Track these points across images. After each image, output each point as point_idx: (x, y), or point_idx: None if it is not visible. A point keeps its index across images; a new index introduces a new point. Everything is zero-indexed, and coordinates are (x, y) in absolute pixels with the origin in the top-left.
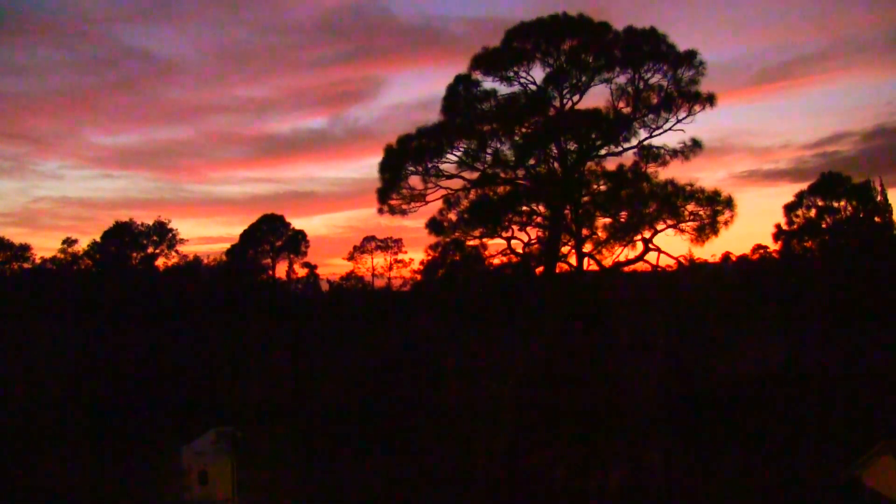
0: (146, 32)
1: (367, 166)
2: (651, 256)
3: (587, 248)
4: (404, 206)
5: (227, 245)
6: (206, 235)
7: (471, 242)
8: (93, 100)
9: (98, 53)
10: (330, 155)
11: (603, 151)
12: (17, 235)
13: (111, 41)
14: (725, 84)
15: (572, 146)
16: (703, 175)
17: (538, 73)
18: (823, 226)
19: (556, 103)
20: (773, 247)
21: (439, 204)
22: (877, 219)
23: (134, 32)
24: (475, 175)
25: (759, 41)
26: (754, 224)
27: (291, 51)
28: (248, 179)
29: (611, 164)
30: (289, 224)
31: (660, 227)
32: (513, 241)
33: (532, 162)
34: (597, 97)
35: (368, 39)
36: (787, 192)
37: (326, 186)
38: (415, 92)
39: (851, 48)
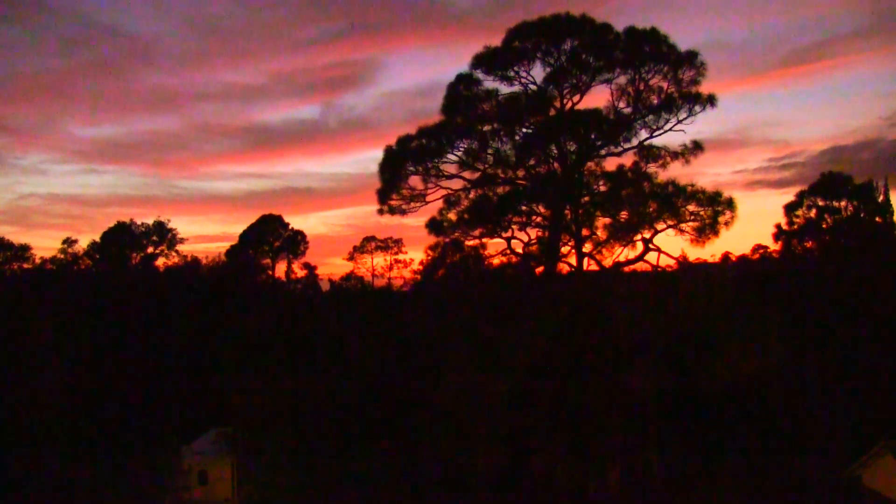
0: (117, 7)
1: (364, 160)
2: (651, 256)
3: (587, 248)
4: (404, 206)
5: (225, 244)
6: (202, 234)
7: (471, 242)
8: (68, 85)
9: (66, 32)
10: (324, 148)
11: (603, 152)
12: (8, 234)
13: (79, 17)
14: (748, 68)
15: (572, 146)
16: (715, 171)
17: (539, 73)
18: (824, 226)
19: (557, 103)
20: (774, 246)
21: (439, 204)
22: (878, 219)
23: (104, 7)
24: (475, 175)
25: (789, 18)
26: (764, 222)
27: (278, 28)
28: (240, 175)
29: (611, 165)
30: (287, 224)
31: (660, 227)
32: (513, 241)
33: (532, 162)
34: (597, 97)
35: (363, 15)
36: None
37: (322, 182)
38: (414, 76)
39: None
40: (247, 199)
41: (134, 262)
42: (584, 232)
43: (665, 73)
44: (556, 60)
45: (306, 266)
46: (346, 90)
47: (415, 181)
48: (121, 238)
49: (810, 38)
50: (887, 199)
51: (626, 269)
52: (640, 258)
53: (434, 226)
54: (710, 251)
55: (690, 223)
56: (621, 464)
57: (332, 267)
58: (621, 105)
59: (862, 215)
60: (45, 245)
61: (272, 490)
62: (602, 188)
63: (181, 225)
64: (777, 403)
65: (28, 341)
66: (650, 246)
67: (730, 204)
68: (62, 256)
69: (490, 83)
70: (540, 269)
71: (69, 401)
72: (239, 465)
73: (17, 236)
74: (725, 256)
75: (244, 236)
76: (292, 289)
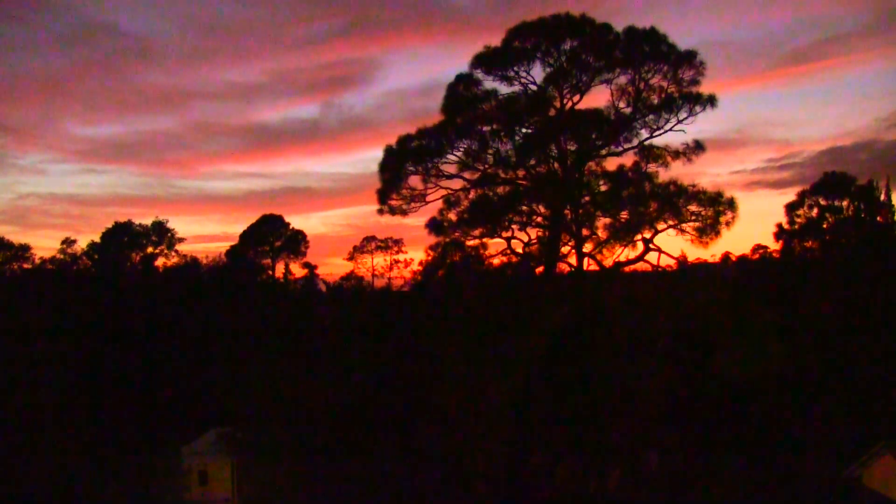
0: (116, 6)
1: (364, 160)
2: (651, 256)
3: (587, 248)
4: (404, 207)
5: (225, 244)
6: (202, 234)
7: (471, 242)
8: (67, 84)
9: (65, 31)
10: (324, 147)
11: (603, 151)
12: (7, 234)
13: (78, 16)
14: (748, 67)
15: (573, 146)
16: (714, 170)
17: (539, 73)
18: (825, 226)
19: (557, 103)
20: (774, 246)
21: (439, 204)
22: (879, 219)
23: (103, 6)
24: (475, 175)
25: (790, 18)
26: (762, 223)
27: (278, 26)
28: (239, 174)
29: (611, 165)
30: (288, 224)
31: (661, 227)
32: (513, 241)
33: (532, 162)
34: (597, 97)
35: (362, 12)
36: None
37: (322, 182)
38: (414, 75)
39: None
40: (247, 198)
41: (133, 262)
42: (585, 232)
43: (665, 73)
44: (556, 60)
45: (306, 266)
46: (346, 89)
47: (415, 181)
48: (120, 238)
49: (810, 37)
50: (889, 199)
51: (627, 269)
52: (640, 258)
53: (434, 226)
54: (711, 251)
55: (691, 223)
56: (622, 463)
57: (332, 267)
58: (621, 105)
59: (863, 215)
60: (44, 245)
61: (272, 490)
62: (602, 188)
63: (180, 225)
64: (777, 403)
65: (28, 341)
66: (651, 246)
67: (731, 204)
68: (62, 256)
69: (490, 83)
70: (540, 269)
71: (69, 401)
72: (239, 465)
73: (16, 236)
74: (726, 256)
75: (244, 236)
76: (292, 289)
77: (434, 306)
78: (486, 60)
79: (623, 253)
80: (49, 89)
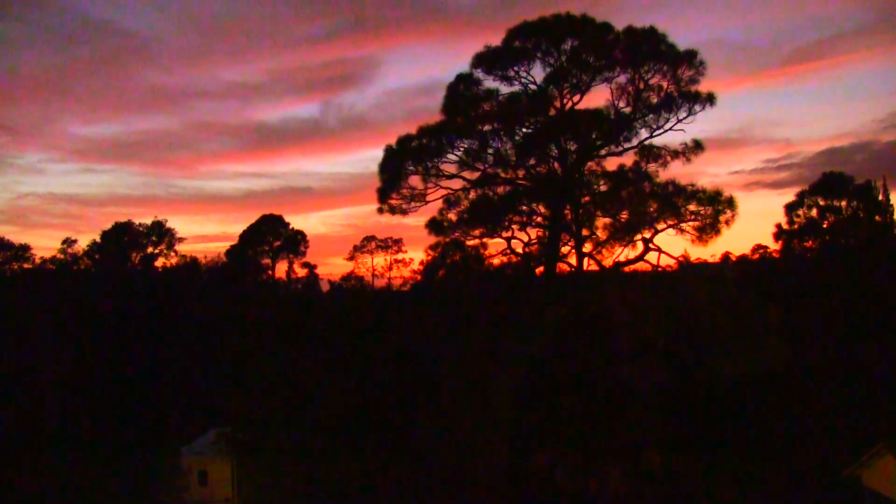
0: (115, 4)
1: (364, 159)
2: (651, 256)
3: (587, 248)
4: (404, 206)
5: (225, 244)
6: (201, 234)
7: (471, 242)
8: (66, 83)
9: (64, 30)
10: (324, 147)
11: (603, 151)
12: (7, 234)
13: (77, 15)
14: (750, 66)
15: (573, 146)
16: (713, 170)
17: (539, 73)
18: (825, 225)
19: (557, 103)
20: (774, 246)
21: (439, 204)
22: (877, 218)
23: (102, 4)
24: (475, 175)
25: (791, 16)
26: (760, 223)
27: (277, 25)
28: (239, 174)
29: (611, 164)
30: (288, 224)
31: (660, 226)
32: (513, 241)
33: (532, 162)
34: (597, 97)
35: (362, 12)
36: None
37: (322, 182)
38: (415, 74)
39: None
40: (246, 198)
41: (133, 263)
42: (584, 232)
43: (664, 72)
44: (556, 60)
45: (306, 266)
46: (345, 88)
47: (415, 181)
48: (120, 238)
49: (810, 37)
50: (887, 199)
51: (627, 269)
52: (640, 258)
53: (434, 226)
54: (711, 251)
55: (691, 223)
56: (622, 463)
57: (333, 266)
58: (621, 104)
59: (861, 215)
60: (44, 245)
61: (272, 490)
62: (602, 188)
63: (180, 225)
64: (777, 403)
65: (28, 341)
66: (650, 246)
67: (730, 203)
68: (62, 256)
69: (490, 83)
70: (540, 269)
71: (69, 401)
72: (239, 465)
73: (15, 236)
74: (726, 256)
75: (244, 236)
76: (292, 288)
77: (434, 306)
78: (486, 60)
79: (623, 253)
80: (49, 89)
